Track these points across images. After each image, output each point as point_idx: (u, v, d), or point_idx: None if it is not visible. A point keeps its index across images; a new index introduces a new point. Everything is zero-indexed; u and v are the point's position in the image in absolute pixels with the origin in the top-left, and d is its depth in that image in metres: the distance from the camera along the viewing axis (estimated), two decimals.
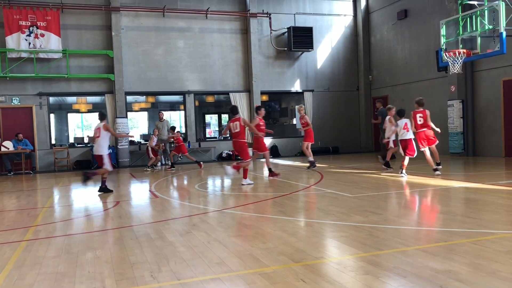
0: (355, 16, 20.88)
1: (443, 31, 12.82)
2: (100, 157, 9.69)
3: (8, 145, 15.82)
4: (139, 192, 10.48)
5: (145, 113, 25.66)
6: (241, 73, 19.27)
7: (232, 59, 19.10)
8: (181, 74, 18.40)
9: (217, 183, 11.61)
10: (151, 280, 3.82)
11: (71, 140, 21.26)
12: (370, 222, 5.70)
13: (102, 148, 9.73)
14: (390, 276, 3.68)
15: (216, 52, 18.84)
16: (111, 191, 9.90)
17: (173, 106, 25.21)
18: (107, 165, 9.64)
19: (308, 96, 20.12)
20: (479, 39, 11.83)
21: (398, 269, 3.83)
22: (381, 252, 4.40)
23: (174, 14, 18.15)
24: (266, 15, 19.24)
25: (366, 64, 20.70)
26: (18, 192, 10.92)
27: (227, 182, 11.43)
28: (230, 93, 19.08)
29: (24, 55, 16.16)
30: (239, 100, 19.12)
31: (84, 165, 16.96)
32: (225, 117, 25.77)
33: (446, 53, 12.42)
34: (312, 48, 19.59)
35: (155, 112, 24.28)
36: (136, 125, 26.77)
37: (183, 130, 19.46)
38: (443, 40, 12.80)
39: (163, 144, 17.20)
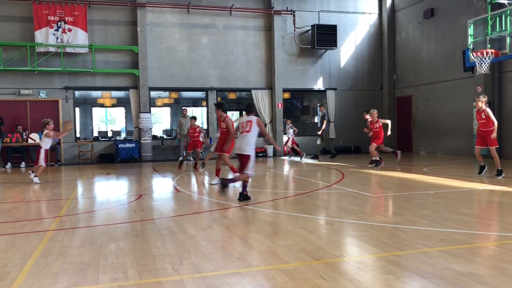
0: (380, 14, 20.65)
1: (470, 31, 12.59)
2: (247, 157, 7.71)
3: (35, 137, 16.19)
4: (162, 186, 10.61)
5: (168, 109, 25.92)
6: (264, 70, 19.28)
7: (255, 56, 19.11)
8: (204, 70, 18.51)
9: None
10: (172, 273, 3.88)
11: (95, 134, 21.62)
12: (391, 222, 5.66)
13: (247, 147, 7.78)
14: (411, 277, 3.66)
15: (239, 49, 18.88)
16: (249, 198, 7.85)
17: (195, 102, 25.39)
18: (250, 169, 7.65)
19: (330, 95, 20.00)
20: (508, 39, 11.58)
21: (419, 270, 3.80)
22: (402, 252, 4.37)
23: (199, 10, 18.26)
24: (290, 12, 19.19)
25: (391, 63, 20.46)
26: (44, 183, 11.18)
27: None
28: (252, 90, 19.10)
29: (51, 49, 16.48)
30: (261, 98, 19.14)
31: (108, 158, 17.24)
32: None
33: (473, 53, 12.20)
34: (336, 46, 19.45)
35: (177, 107, 24.51)
36: (159, 120, 27.07)
37: (205, 126, 19.58)
38: (470, 39, 12.57)
39: (185, 140, 17.37)
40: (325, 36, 19.15)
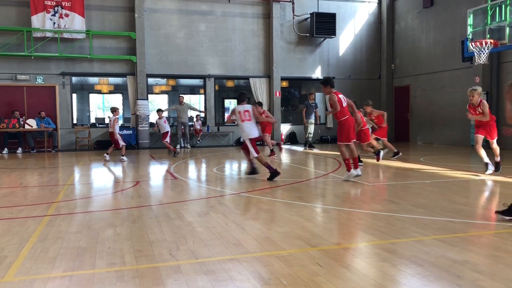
0: (379, 3, 20.53)
1: (470, 20, 12.55)
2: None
3: (32, 123, 16.13)
4: (159, 173, 10.62)
5: (166, 96, 25.82)
6: (262, 58, 19.19)
7: (253, 44, 19.01)
8: (202, 58, 18.42)
9: (234, 167, 11.67)
10: (169, 258, 3.89)
11: (92, 120, 21.56)
12: (387, 211, 5.69)
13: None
14: (406, 264, 3.68)
15: (237, 37, 18.78)
16: (258, 173, 8.95)
17: (193, 90, 25.29)
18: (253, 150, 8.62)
19: None
20: (507, 29, 11.56)
21: (415, 258, 3.82)
22: (398, 240, 4.39)
23: None
24: (289, 0, 19.05)
25: (389, 52, 20.40)
26: (41, 169, 11.16)
27: (244, 166, 11.49)
28: (250, 78, 19.04)
29: (48, 34, 16.36)
30: (259, 86, 19.09)
31: (105, 145, 17.19)
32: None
33: (472, 43, 12.17)
34: (335, 35, 19.37)
35: (175, 95, 24.41)
36: (156, 107, 26.94)
37: (202, 114, 19.54)
38: (469, 29, 12.54)
39: (183, 127, 17.38)
40: (324, 25, 19.06)
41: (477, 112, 8.78)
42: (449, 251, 4.01)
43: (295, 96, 24.33)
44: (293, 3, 19.11)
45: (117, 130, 12.74)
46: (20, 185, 8.50)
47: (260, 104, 13.86)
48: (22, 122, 15.99)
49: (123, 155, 12.65)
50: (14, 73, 16.50)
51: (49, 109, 16.89)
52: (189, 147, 17.51)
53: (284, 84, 20.47)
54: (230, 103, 27.14)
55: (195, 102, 25.90)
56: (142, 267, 3.68)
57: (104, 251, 4.12)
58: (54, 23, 16.37)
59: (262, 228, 4.96)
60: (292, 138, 19.56)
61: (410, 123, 19.48)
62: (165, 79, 20.63)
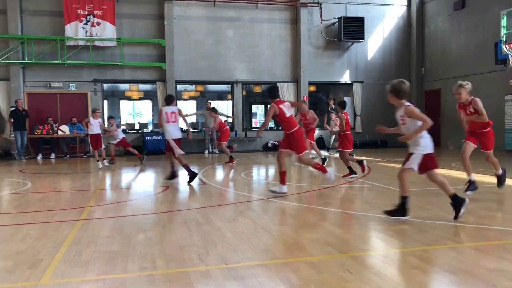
0: (408, 6, 20.26)
1: (503, 22, 12.24)
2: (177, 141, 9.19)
3: (65, 129, 16.57)
4: (187, 178, 10.70)
5: (194, 102, 26.08)
6: (289, 63, 19.20)
7: (280, 49, 19.05)
8: (229, 63, 18.56)
9: (261, 172, 11.68)
10: (199, 263, 3.93)
11: (123, 126, 21.96)
12: (418, 217, 5.58)
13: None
14: (439, 272, 3.61)
15: (264, 42, 18.85)
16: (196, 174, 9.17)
17: (220, 96, 25.48)
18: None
19: (357, 88, 19.79)
20: None
21: (447, 266, 3.74)
22: (429, 247, 4.31)
23: (225, 3, 18.29)
24: (317, 5, 19.02)
25: (419, 56, 20.08)
26: (73, 174, 11.45)
27: (271, 171, 11.48)
28: (277, 84, 19.04)
29: (81, 43, 16.81)
30: (286, 91, 19.08)
31: (136, 150, 17.46)
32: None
33: (506, 45, 11.86)
34: (363, 39, 19.21)
35: (203, 101, 24.64)
36: (184, 113, 27.23)
37: (230, 120, 19.64)
38: (503, 31, 12.23)
39: (210, 133, 17.55)
40: (352, 29, 18.93)
41: (468, 112, 7.04)
42: (484, 259, 3.90)
43: (323, 101, 24.19)
44: (320, 8, 19.06)
45: (96, 131, 12.82)
46: (54, 190, 8.74)
47: (214, 109, 14.12)
48: (55, 129, 16.46)
49: (104, 159, 12.93)
50: (48, 81, 17.01)
51: (81, 115, 17.30)
52: (217, 152, 17.63)
53: (312, 88, 20.40)
54: (258, 108, 27.22)
55: (223, 107, 26.08)
56: (173, 272, 3.73)
57: (135, 255, 4.19)
58: (86, 31, 16.82)
59: (290, 234, 4.95)
60: (320, 143, 19.43)
61: (441, 128, 19.09)
62: (194, 85, 20.87)
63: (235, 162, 13.00)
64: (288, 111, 7.40)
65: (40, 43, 16.65)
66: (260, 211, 6.27)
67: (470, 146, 7.17)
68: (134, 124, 21.16)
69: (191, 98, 24.66)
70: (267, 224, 5.38)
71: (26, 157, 16.14)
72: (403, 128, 5.39)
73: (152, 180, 10.53)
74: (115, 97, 24.42)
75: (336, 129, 10.51)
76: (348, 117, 9.56)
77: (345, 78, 19.79)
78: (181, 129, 9.70)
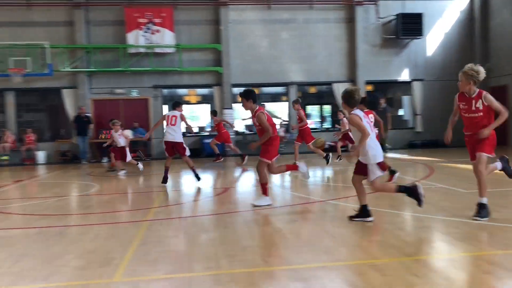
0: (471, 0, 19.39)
1: None
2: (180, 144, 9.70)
3: (129, 133, 17.26)
4: (246, 180, 10.86)
5: None
6: (345, 62, 18.94)
7: (336, 49, 18.83)
8: (284, 65, 18.60)
9: (317, 174, 11.61)
10: (262, 264, 3.98)
11: (182, 130, 22.53)
12: (487, 220, 5.34)
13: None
14: None
15: (320, 43, 18.71)
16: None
17: (274, 98, 25.55)
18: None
19: (417, 86, 19.17)
20: None
21: None
22: (502, 251, 4.11)
23: (279, 6, 18.35)
24: (373, 2, 18.64)
25: (483, 51, 19.13)
26: (137, 176, 11.90)
27: (328, 173, 11.39)
28: (332, 84, 18.86)
29: (142, 50, 17.47)
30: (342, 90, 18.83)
31: (194, 153, 17.86)
32: (327, 108, 25.50)
33: None
34: (422, 35, 18.59)
35: (258, 103, 24.83)
36: (239, 116, 27.55)
37: (284, 121, 19.68)
38: None
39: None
40: (410, 25, 18.39)
41: (473, 109, 5.34)
42: None
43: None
44: (377, 5, 18.67)
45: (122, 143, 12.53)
46: (120, 192, 9.14)
47: (215, 112, 14.92)
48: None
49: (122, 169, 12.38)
50: (111, 88, 17.82)
51: (143, 120, 17.98)
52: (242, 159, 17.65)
53: (369, 88, 20.00)
54: (313, 110, 27.03)
55: (277, 109, 26.12)
56: (237, 272, 3.80)
57: (200, 255, 4.31)
58: (147, 39, 17.45)
59: (352, 236, 4.89)
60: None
61: (509, 125, 18.08)
62: None
63: (221, 160, 14.03)
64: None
65: (104, 52, 17.48)
66: (320, 213, 6.24)
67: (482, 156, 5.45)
68: (192, 127, 21.66)
69: None
70: (328, 227, 5.35)
71: (92, 161, 16.98)
72: (354, 135, 5.43)
73: (211, 182, 10.75)
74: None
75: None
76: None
77: (404, 76, 19.24)
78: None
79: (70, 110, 17.57)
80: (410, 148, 18.48)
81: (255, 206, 6.69)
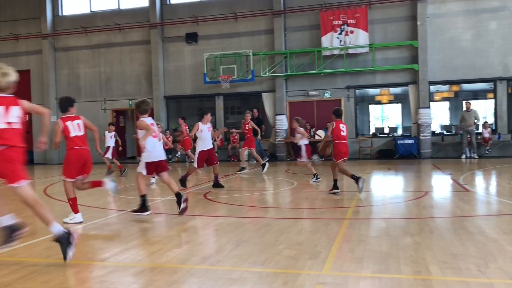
0: None
1: None
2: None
3: (321, 133, 17.80)
4: (446, 183, 10.16)
5: (447, 103, 24.49)
6: None
7: None
8: (491, 59, 16.74)
9: None
10: (478, 274, 3.70)
11: (372, 131, 22.25)
12: None
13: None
14: None
15: None
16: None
17: (476, 95, 23.21)
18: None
19: None
20: None
21: None
22: None
23: None
24: None
25: None
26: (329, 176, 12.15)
27: None
28: None
29: (335, 52, 17.79)
30: None
31: (386, 154, 17.51)
32: None
33: None
34: None
35: (457, 102, 22.92)
36: (434, 115, 25.82)
37: (491, 121, 17.71)
38: None
39: (469, 136, 16.22)
40: None
41: None
42: None
43: None
44: None
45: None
46: (316, 190, 9.49)
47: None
48: (312, 133, 17.84)
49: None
50: (306, 90, 18.59)
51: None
52: (476, 157, 16.11)
53: None
54: None
55: (480, 108, 23.66)
56: (450, 279, 3.61)
57: (406, 258, 4.22)
58: (341, 40, 17.69)
59: None
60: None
61: None
62: (447, 86, 19.61)
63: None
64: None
65: (299, 56, 18.33)
66: None
67: None
68: (383, 128, 21.20)
69: (443, 99, 23.23)
70: None
71: (288, 159, 18.02)
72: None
73: (409, 185, 10.35)
74: (365, 102, 24.93)
75: None
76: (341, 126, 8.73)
77: None
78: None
79: (269, 112, 18.91)
80: None
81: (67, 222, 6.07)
